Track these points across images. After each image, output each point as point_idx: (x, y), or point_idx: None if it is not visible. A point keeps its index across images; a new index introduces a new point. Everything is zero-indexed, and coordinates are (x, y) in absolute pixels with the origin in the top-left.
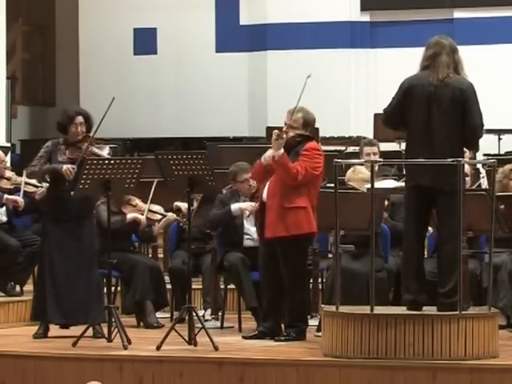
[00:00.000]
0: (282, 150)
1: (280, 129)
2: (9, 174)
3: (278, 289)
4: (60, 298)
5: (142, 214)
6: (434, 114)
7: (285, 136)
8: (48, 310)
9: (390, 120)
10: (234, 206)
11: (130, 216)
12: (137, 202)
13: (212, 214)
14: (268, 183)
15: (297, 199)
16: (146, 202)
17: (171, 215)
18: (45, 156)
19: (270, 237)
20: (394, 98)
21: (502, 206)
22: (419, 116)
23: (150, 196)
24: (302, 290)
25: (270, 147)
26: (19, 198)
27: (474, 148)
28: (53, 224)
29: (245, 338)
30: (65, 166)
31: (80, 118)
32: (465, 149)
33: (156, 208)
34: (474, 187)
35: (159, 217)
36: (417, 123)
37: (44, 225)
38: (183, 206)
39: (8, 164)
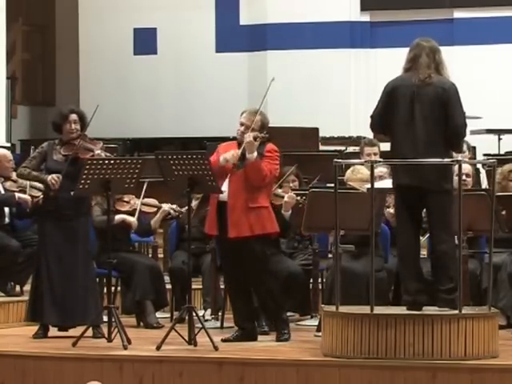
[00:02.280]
0: (256, 153)
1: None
2: (15, 176)
3: (246, 288)
4: (56, 299)
5: (136, 211)
6: (417, 113)
7: (258, 138)
8: (44, 311)
9: (378, 124)
10: None
11: (118, 217)
12: (130, 198)
13: None
14: (227, 183)
15: (260, 199)
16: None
17: (165, 205)
18: (38, 157)
19: (235, 237)
20: (379, 102)
21: (504, 212)
22: (403, 116)
23: (143, 193)
24: (272, 283)
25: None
26: (29, 198)
27: (457, 149)
28: (48, 224)
29: (223, 341)
30: (49, 176)
31: (74, 116)
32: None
33: (150, 201)
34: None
35: (154, 209)
36: (400, 123)
37: (40, 225)
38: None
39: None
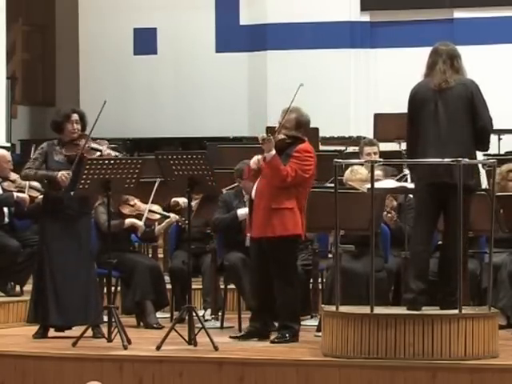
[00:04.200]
0: (274, 152)
1: (273, 131)
2: (14, 176)
3: (268, 288)
4: (59, 299)
5: (140, 215)
6: (441, 115)
7: (272, 137)
8: (46, 312)
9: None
10: (241, 212)
11: (127, 221)
12: (135, 201)
13: (217, 218)
14: (257, 183)
15: (284, 200)
16: (145, 203)
17: (174, 216)
18: (39, 158)
19: (256, 237)
20: (407, 115)
21: (502, 211)
22: (426, 118)
23: (152, 196)
24: (291, 290)
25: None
26: (27, 197)
27: (485, 146)
28: (50, 224)
29: (232, 338)
30: (59, 173)
31: (75, 116)
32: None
33: (155, 208)
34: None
35: (158, 216)
36: (424, 125)
37: (41, 225)
38: (181, 200)
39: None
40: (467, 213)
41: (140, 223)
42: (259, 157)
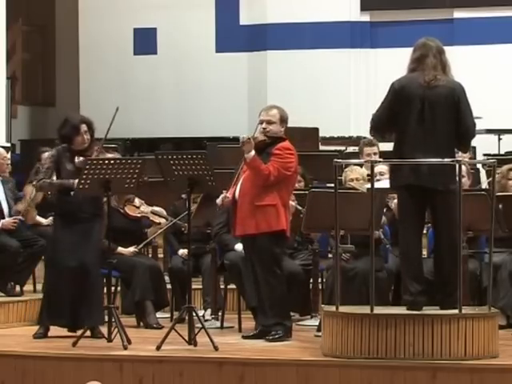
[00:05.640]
0: (253, 153)
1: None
2: (35, 190)
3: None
4: (71, 301)
5: (144, 217)
6: (426, 114)
7: (251, 139)
8: (63, 314)
9: (382, 124)
10: (237, 247)
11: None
12: (139, 203)
13: (219, 238)
14: (240, 182)
15: (267, 197)
16: (150, 205)
17: (164, 222)
18: (52, 167)
19: (240, 234)
20: (383, 102)
21: (501, 206)
22: (412, 116)
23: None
24: (278, 286)
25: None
26: (11, 224)
27: (466, 148)
28: (62, 226)
29: (244, 337)
30: (77, 181)
31: (84, 127)
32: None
33: (157, 210)
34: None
35: (160, 219)
36: (410, 123)
37: (54, 226)
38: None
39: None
40: (454, 214)
41: (129, 251)
42: (223, 194)
